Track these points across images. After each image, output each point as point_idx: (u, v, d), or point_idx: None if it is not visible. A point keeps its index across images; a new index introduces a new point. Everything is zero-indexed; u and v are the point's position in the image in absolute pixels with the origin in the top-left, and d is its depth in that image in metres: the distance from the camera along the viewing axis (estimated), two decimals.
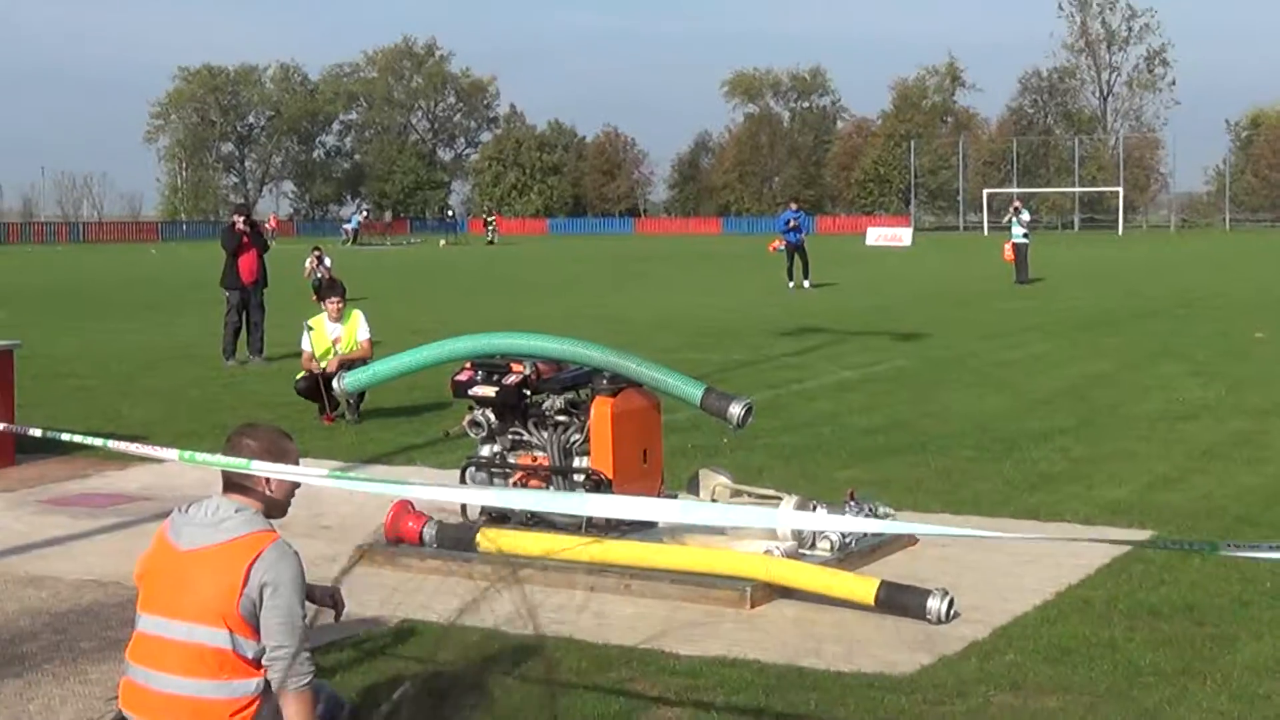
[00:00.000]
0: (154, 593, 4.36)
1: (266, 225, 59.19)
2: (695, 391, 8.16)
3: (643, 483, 8.08)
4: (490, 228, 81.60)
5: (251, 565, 4.22)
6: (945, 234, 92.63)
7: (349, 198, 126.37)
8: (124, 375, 17.44)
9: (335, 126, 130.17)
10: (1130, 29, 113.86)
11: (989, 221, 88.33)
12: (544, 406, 8.35)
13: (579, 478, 8.10)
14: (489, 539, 7.84)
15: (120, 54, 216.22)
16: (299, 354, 14.13)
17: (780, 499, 8.01)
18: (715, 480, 8.23)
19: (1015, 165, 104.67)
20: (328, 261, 31.15)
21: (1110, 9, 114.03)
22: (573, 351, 8.32)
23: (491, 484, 8.33)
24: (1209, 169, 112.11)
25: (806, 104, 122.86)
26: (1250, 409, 13.46)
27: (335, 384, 10.01)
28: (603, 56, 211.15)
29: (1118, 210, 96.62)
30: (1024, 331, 21.97)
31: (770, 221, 71.10)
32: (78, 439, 5.88)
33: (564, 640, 6.48)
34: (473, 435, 8.53)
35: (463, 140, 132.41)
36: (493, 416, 8.40)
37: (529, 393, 8.35)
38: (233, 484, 4.43)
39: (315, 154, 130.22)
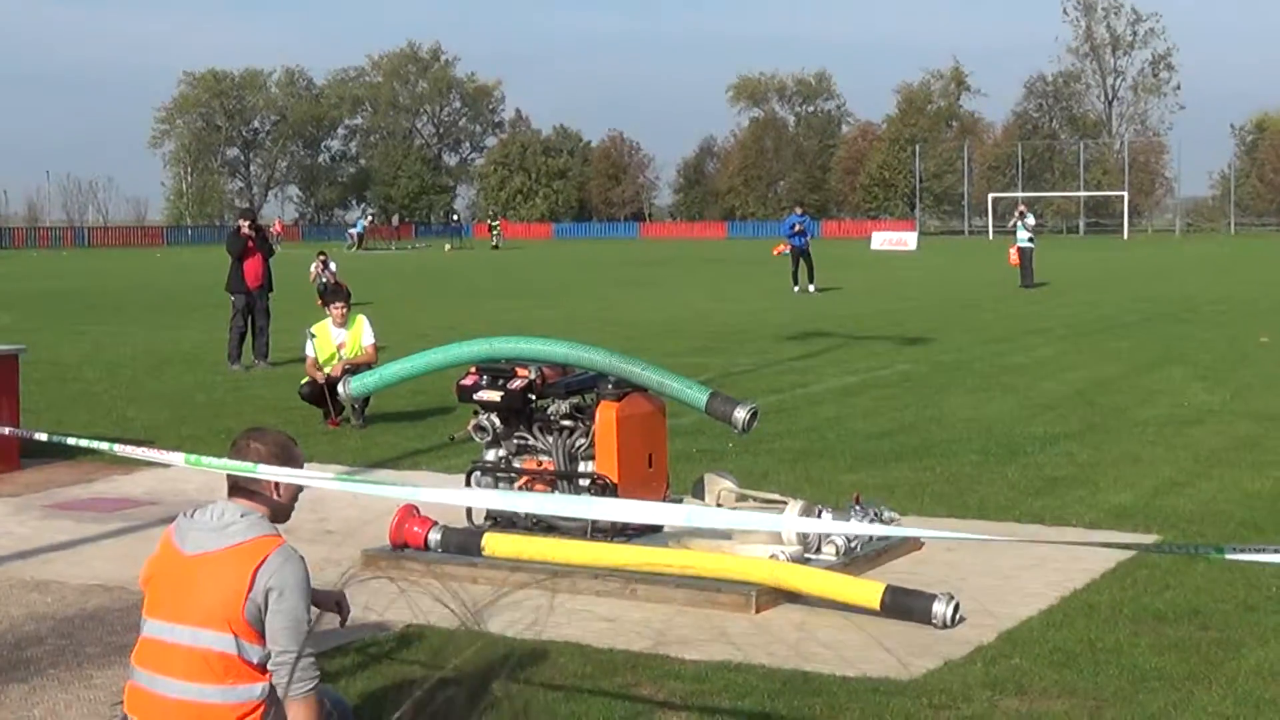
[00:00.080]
0: (159, 597, 4.35)
1: (272, 230, 59.32)
2: (700, 396, 8.16)
3: (648, 487, 8.08)
4: (495, 232, 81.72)
5: (257, 570, 4.21)
6: (950, 238, 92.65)
7: (354, 202, 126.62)
8: (129, 380, 17.45)
9: (340, 131, 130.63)
10: (1135, 33, 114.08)
11: (994, 226, 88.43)
12: (549, 411, 8.35)
13: (584, 482, 8.10)
14: (494, 544, 7.84)
15: (125, 59, 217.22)
16: (303, 360, 14.14)
17: (785, 503, 8.00)
18: (720, 485, 8.21)
19: (1020, 169, 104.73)
20: (333, 266, 31.23)
21: (1115, 13, 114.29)
22: (577, 356, 8.31)
23: (497, 488, 8.33)
24: (1214, 173, 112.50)
25: (811, 108, 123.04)
26: (1256, 413, 13.44)
27: (341, 388, 9.98)
28: (608, 61, 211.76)
29: (1123, 214, 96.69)
30: (1029, 336, 21.96)
31: (775, 226, 71.11)
32: (83, 443, 5.86)
33: (569, 645, 6.48)
34: (478, 440, 8.53)
35: (468, 144, 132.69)
36: (498, 421, 8.40)
37: (534, 397, 8.35)
38: (238, 488, 4.43)
39: (320, 158, 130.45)
